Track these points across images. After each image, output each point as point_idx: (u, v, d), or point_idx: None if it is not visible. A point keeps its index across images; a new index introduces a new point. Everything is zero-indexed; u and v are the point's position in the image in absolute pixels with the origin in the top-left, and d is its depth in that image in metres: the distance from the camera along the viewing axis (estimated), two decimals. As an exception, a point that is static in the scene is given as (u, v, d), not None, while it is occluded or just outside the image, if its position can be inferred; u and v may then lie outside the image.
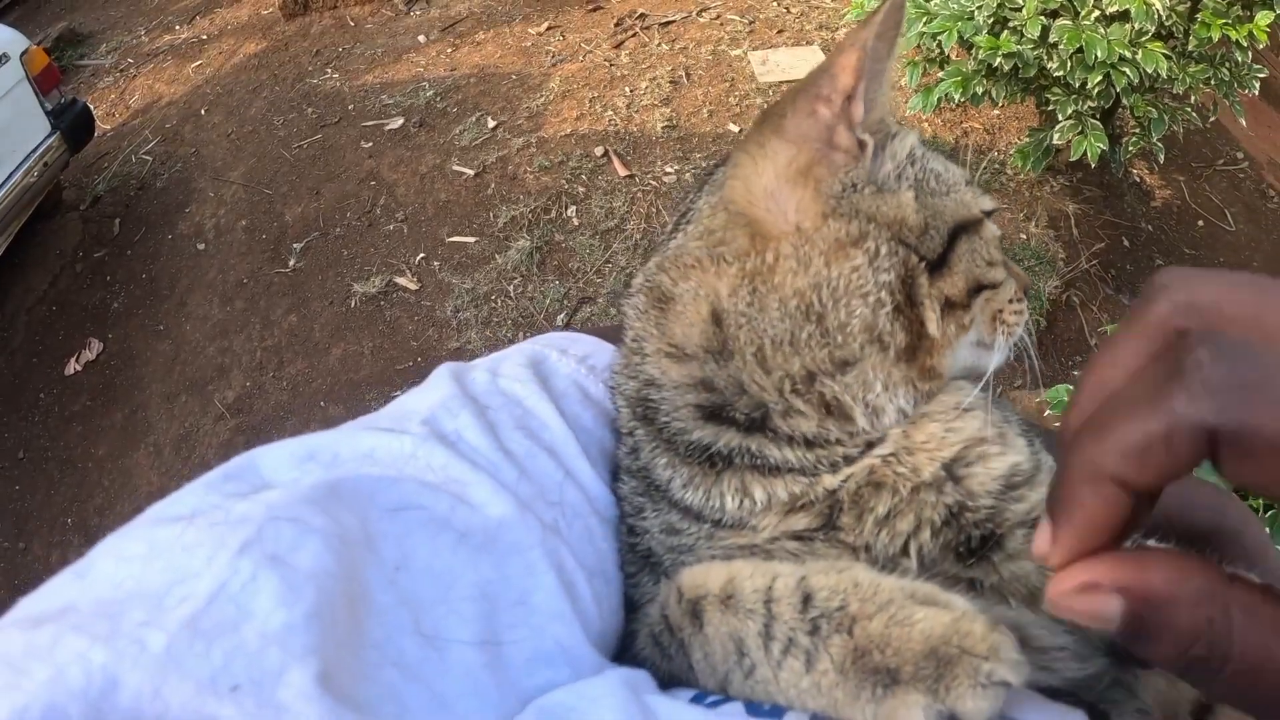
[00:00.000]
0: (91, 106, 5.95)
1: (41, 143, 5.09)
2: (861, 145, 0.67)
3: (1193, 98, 3.81)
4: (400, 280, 4.55)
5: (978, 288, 0.71)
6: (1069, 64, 3.47)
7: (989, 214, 0.76)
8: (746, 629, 0.56)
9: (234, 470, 0.53)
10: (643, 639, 0.65)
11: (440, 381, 0.69)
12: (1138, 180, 4.85)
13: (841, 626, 0.53)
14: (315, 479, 0.52)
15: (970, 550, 0.62)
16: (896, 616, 0.51)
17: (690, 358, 0.67)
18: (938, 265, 0.68)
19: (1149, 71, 3.36)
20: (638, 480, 0.70)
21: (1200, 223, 4.71)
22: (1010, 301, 0.74)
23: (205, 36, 7.55)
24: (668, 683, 0.60)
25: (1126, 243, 4.45)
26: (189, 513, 0.47)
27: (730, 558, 0.63)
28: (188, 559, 0.43)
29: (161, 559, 0.44)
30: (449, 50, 6.29)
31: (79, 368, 4.75)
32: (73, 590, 0.44)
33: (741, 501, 0.65)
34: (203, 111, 6.50)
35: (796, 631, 0.54)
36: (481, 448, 0.62)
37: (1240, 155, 5.13)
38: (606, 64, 5.65)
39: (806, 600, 0.54)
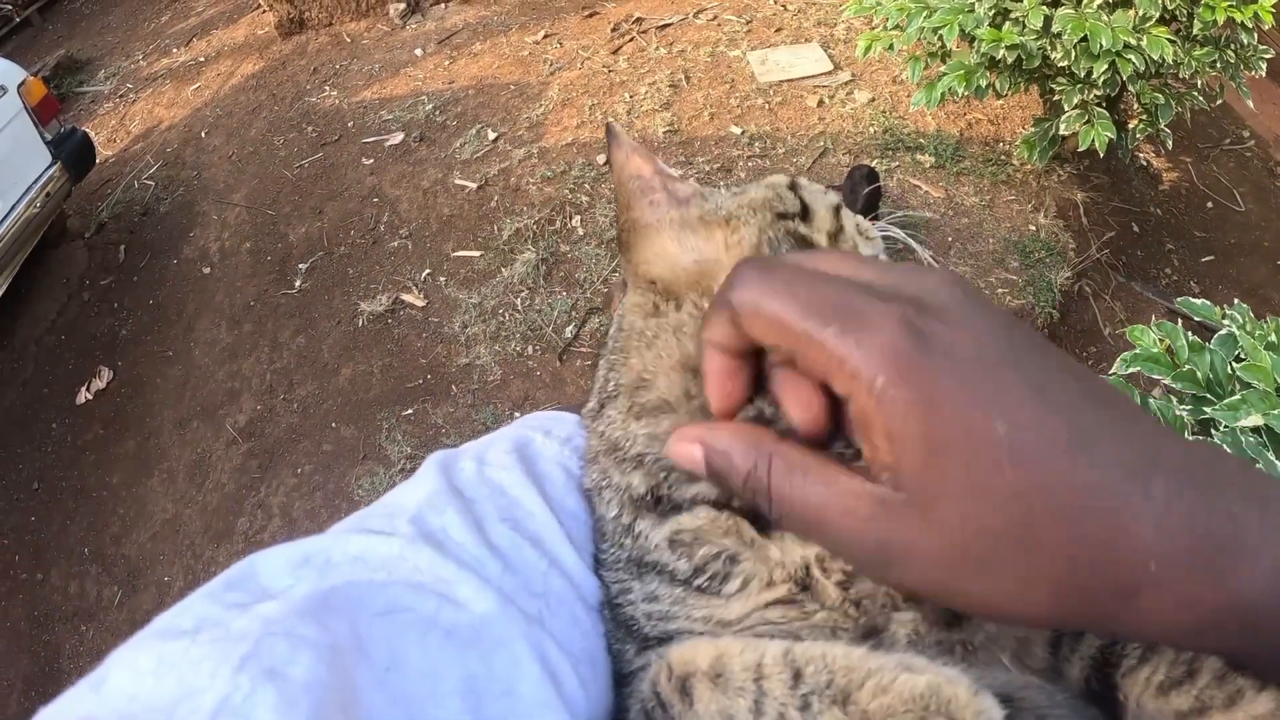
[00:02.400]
0: (92, 134, 5.95)
1: (43, 173, 5.10)
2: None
3: (1199, 81, 3.78)
4: (407, 297, 4.54)
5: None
6: (1073, 53, 3.44)
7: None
8: (737, 706, 0.55)
9: (235, 578, 0.57)
10: (635, 714, 0.65)
11: (428, 476, 0.72)
12: (1145, 164, 4.83)
13: (835, 701, 0.52)
14: (308, 588, 0.55)
15: (956, 615, 0.61)
16: (886, 687, 0.51)
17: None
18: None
19: (1155, 58, 3.33)
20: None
21: (1209, 204, 4.69)
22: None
23: (202, 59, 7.57)
24: None
25: (1136, 229, 4.43)
26: (193, 627, 0.50)
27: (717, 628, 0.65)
28: (194, 674, 0.47)
29: (171, 674, 0.47)
30: (446, 63, 6.28)
31: (90, 396, 4.76)
32: (90, 702, 0.46)
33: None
34: (203, 134, 6.51)
35: (787, 708, 0.53)
36: (466, 544, 0.65)
37: (1247, 135, 5.11)
38: (605, 70, 5.64)
39: (797, 676, 0.54)
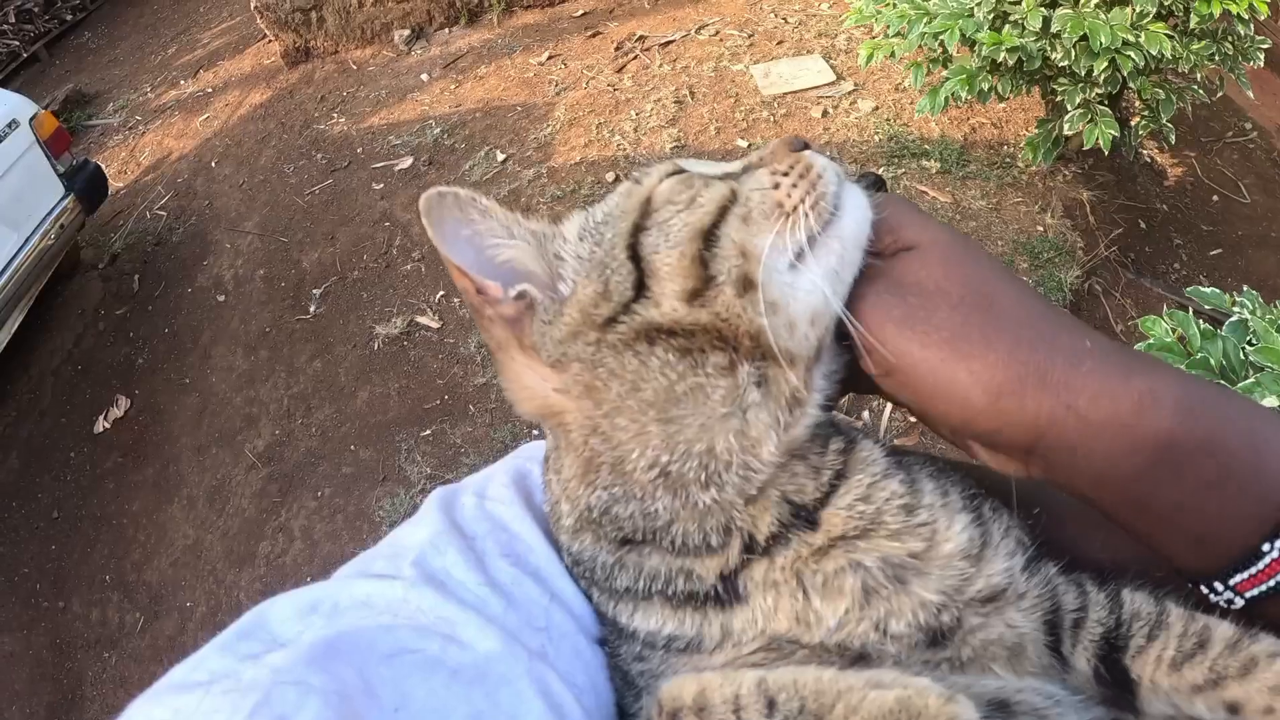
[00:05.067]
0: (103, 166, 6.02)
1: (56, 205, 5.15)
2: (520, 296, 0.69)
3: (1198, 75, 3.79)
4: (422, 319, 4.57)
5: (704, 234, 0.66)
6: (1073, 53, 3.46)
7: (670, 175, 0.73)
8: None
9: (246, 628, 0.59)
10: None
11: (430, 515, 0.74)
12: (1149, 160, 4.83)
13: None
14: (316, 635, 0.58)
15: (940, 635, 0.63)
16: (856, 707, 0.53)
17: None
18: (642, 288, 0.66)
19: (1154, 53, 3.34)
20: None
21: (1215, 197, 4.69)
22: (765, 189, 0.68)
23: (210, 89, 7.65)
24: None
25: (1143, 225, 4.42)
26: (207, 679, 0.53)
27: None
28: None
29: None
30: (452, 87, 6.34)
31: (108, 425, 4.78)
32: None
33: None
34: (213, 164, 6.57)
35: None
36: (468, 582, 0.66)
37: (1249, 126, 5.11)
38: (610, 89, 5.69)
39: (771, 705, 0.56)
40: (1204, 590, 0.59)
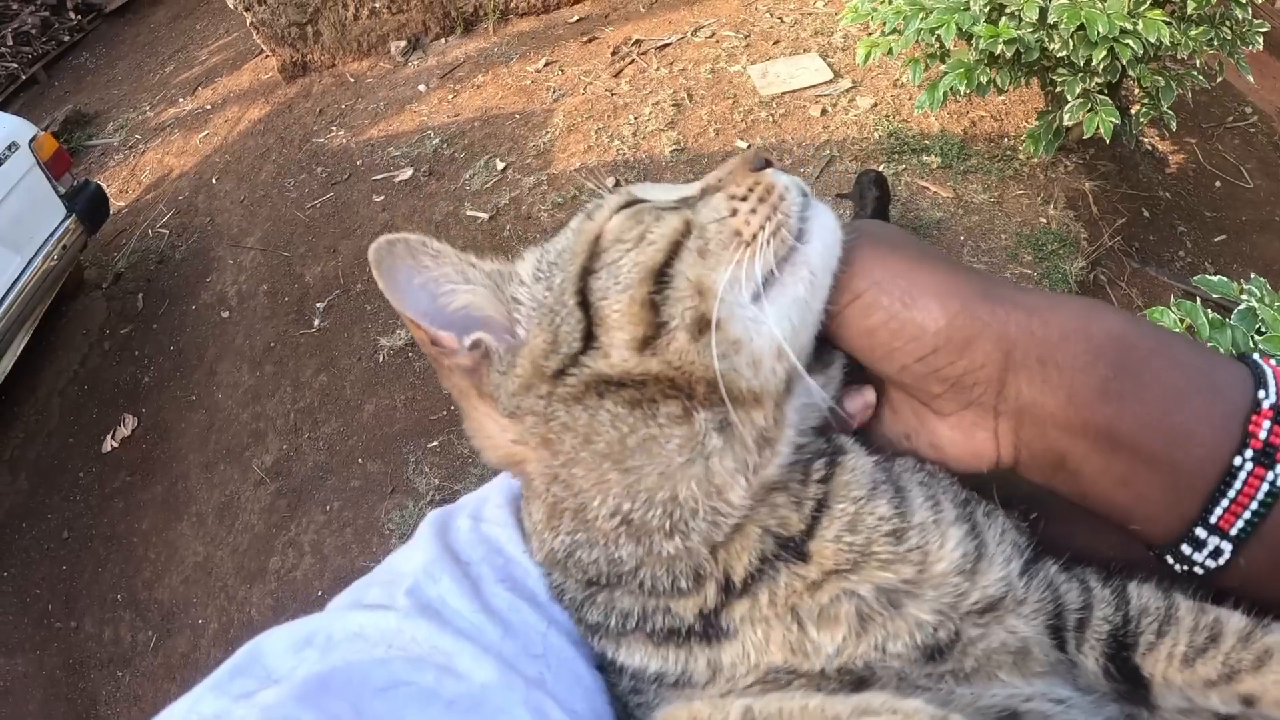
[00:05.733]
0: (104, 185, 6.04)
1: (58, 226, 5.17)
2: (475, 346, 0.68)
3: (1198, 60, 3.78)
4: (426, 329, 4.55)
5: (655, 274, 0.62)
6: (1071, 43, 3.45)
7: (621, 206, 0.69)
8: None
9: (240, 664, 0.60)
10: None
11: (424, 541, 0.73)
12: (1150, 148, 4.82)
13: None
14: (309, 670, 0.58)
15: (938, 651, 0.61)
16: None
17: None
18: (590, 338, 0.63)
19: (1152, 41, 3.33)
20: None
21: (1217, 183, 4.67)
22: (721, 217, 0.65)
23: (209, 106, 7.66)
24: None
25: (1147, 214, 4.41)
26: None
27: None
28: None
29: None
30: (450, 96, 6.34)
31: (115, 444, 4.79)
32: None
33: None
34: (214, 180, 6.58)
35: None
36: (464, 610, 0.66)
37: (1249, 110, 5.09)
38: (608, 93, 5.68)
39: None
40: (1188, 553, 0.59)
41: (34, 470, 4.85)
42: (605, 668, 0.69)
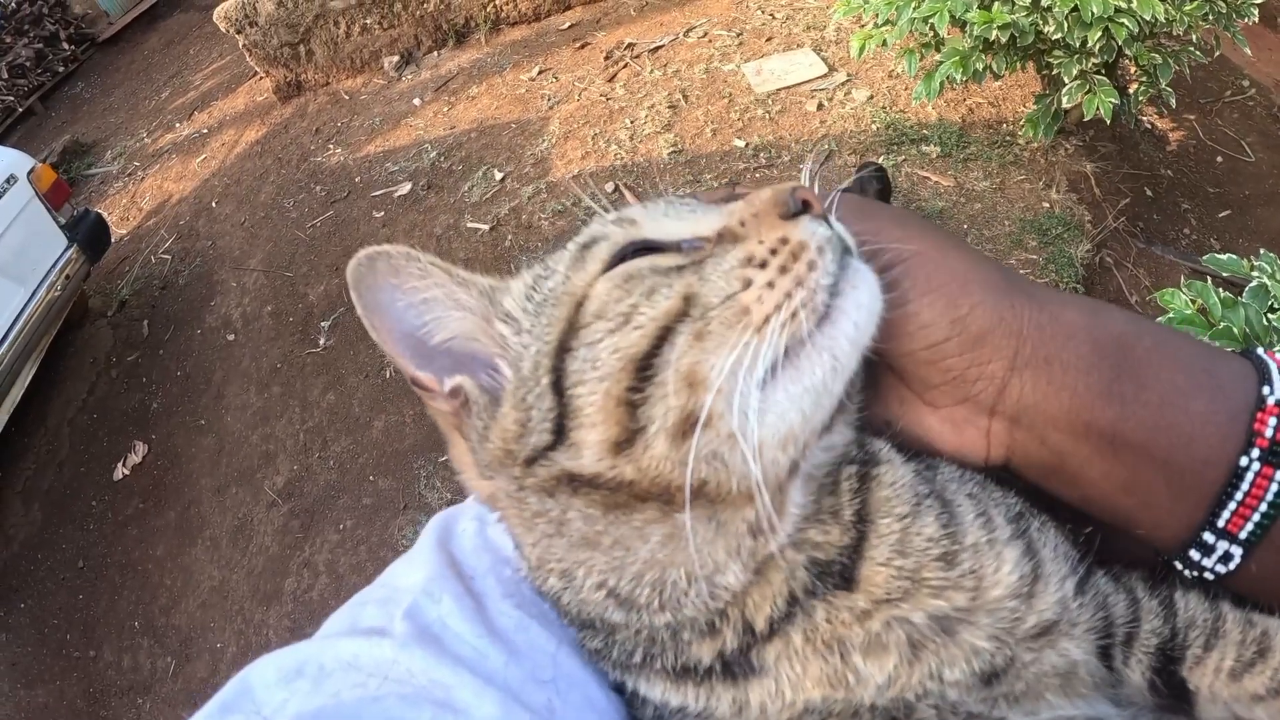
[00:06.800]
0: (105, 214, 6.07)
1: (60, 257, 5.19)
2: (454, 393, 0.64)
3: (1194, 36, 3.75)
4: (431, 342, 4.55)
5: (637, 365, 0.54)
6: (1066, 24, 3.43)
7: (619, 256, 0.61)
8: None
9: (229, 700, 0.57)
10: None
11: (427, 552, 0.70)
12: (1150, 127, 4.79)
13: None
14: (299, 706, 0.55)
15: (994, 676, 0.58)
16: None
17: None
18: (561, 431, 0.56)
19: (1147, 18, 3.30)
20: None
21: (1219, 158, 4.65)
22: (730, 292, 0.55)
23: (206, 130, 7.68)
24: None
25: (1149, 193, 4.39)
26: None
27: None
28: None
29: None
30: (445, 109, 6.34)
31: (127, 472, 4.79)
32: None
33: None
34: (214, 204, 6.60)
35: None
36: (466, 635, 0.62)
37: (1247, 84, 5.07)
38: (603, 99, 5.67)
39: None
40: (1197, 558, 0.57)
41: (47, 501, 4.86)
42: (623, 689, 0.66)
